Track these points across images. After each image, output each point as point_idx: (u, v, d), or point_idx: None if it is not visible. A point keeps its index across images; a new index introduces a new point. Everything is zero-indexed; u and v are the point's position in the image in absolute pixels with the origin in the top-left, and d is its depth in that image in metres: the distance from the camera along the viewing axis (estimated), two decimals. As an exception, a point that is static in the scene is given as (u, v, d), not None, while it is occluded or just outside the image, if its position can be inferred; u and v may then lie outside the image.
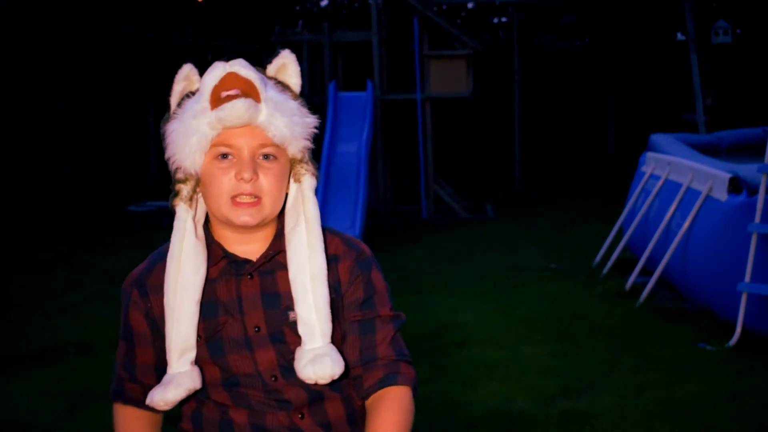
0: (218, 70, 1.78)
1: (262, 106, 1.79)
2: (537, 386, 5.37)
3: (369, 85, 13.17)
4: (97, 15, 17.71)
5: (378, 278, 1.94)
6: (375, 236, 11.74)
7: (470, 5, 22.92)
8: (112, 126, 19.19)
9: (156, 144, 18.61)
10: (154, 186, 18.22)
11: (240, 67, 1.79)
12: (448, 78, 14.00)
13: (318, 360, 1.80)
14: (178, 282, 1.83)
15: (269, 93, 1.81)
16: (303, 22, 14.92)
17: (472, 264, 9.82)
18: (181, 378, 1.84)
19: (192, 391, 1.85)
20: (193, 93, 1.85)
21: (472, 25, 22.95)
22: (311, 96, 13.97)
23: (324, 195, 11.60)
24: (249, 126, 1.80)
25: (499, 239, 11.65)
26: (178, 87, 1.87)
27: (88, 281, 9.29)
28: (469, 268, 9.59)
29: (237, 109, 1.76)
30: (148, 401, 1.86)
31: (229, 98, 1.77)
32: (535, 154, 21.33)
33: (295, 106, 1.85)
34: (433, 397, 5.16)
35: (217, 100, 1.77)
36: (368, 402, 1.89)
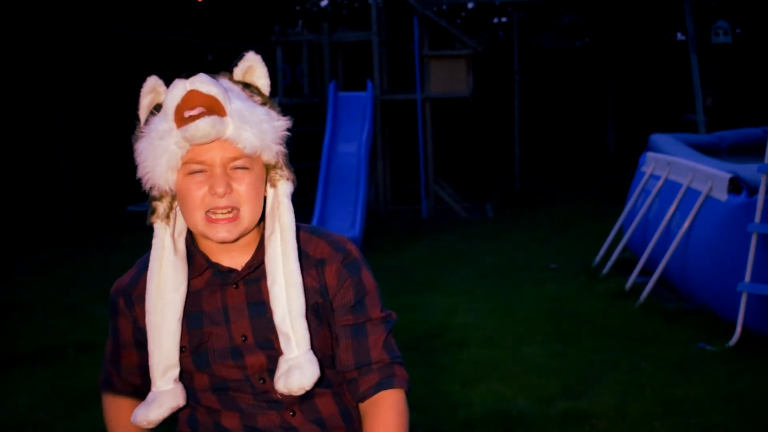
0: (179, 89, 1.76)
1: (228, 120, 1.76)
2: (537, 386, 5.37)
3: (369, 85, 13.17)
4: (97, 15, 17.71)
5: (368, 279, 1.93)
6: (375, 236, 11.74)
7: (470, 5, 22.92)
8: (112, 126, 19.19)
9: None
10: (154, 186, 18.16)
11: (201, 83, 1.75)
12: (448, 78, 13.99)
13: (289, 372, 1.81)
14: (158, 301, 1.84)
15: (234, 104, 1.78)
16: (303, 22, 14.91)
17: (472, 264, 9.82)
18: (163, 397, 1.85)
19: (175, 410, 1.88)
20: (161, 106, 1.82)
21: (472, 25, 22.95)
22: (311, 96, 13.98)
23: (324, 195, 11.59)
24: (218, 140, 1.77)
25: (499, 239, 11.65)
26: (145, 101, 1.85)
27: (88, 281, 9.29)
28: (469, 268, 9.59)
29: (201, 128, 1.74)
30: (132, 419, 1.89)
31: (193, 118, 1.74)
32: (535, 154, 21.33)
33: (262, 113, 1.82)
34: (433, 397, 5.16)
35: (181, 120, 1.75)
36: (364, 405, 1.90)
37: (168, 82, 1.84)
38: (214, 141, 1.77)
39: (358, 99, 12.99)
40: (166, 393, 1.86)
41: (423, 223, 13.64)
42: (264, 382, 1.86)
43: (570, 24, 21.06)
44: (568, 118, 22.39)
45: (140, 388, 1.97)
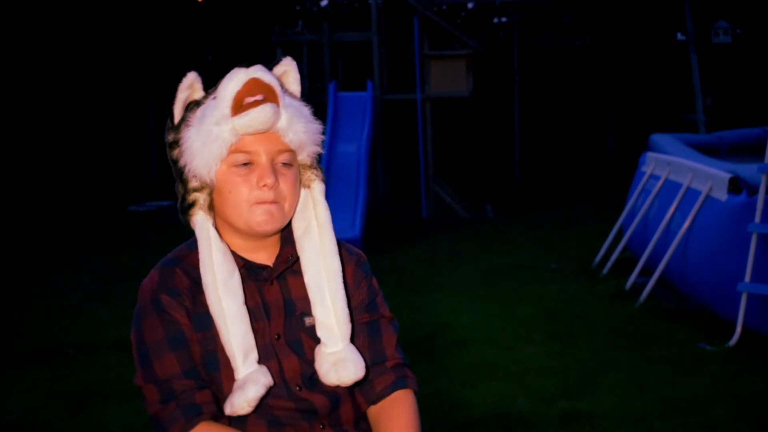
0: (240, 75, 1.78)
1: (282, 111, 1.81)
2: (537, 386, 5.37)
3: (369, 85, 13.17)
4: (97, 15, 17.71)
5: (375, 281, 2.00)
6: (375, 236, 11.74)
7: (470, 5, 22.92)
8: (112, 126, 19.19)
9: (156, 144, 18.61)
10: (154, 186, 18.23)
11: (262, 72, 1.79)
12: (448, 78, 14.00)
13: (341, 364, 1.82)
14: (218, 289, 1.80)
15: (286, 98, 1.83)
16: (303, 22, 14.92)
17: (472, 264, 9.82)
18: (255, 375, 1.78)
19: (268, 387, 1.79)
20: (196, 102, 1.84)
21: (472, 25, 22.94)
22: (311, 96, 13.97)
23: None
24: (267, 132, 1.81)
25: (499, 239, 11.64)
26: (182, 96, 1.85)
27: (88, 281, 9.28)
28: (469, 268, 9.59)
29: (265, 113, 1.77)
30: (228, 410, 1.78)
31: (255, 104, 1.77)
32: (535, 154, 21.32)
33: (308, 113, 1.87)
34: (433, 397, 5.16)
35: (239, 107, 1.77)
36: (377, 406, 1.92)
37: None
38: (264, 133, 1.80)
39: (358, 99, 13.00)
40: (255, 372, 1.78)
41: (423, 223, 13.63)
42: (300, 389, 1.85)
43: (570, 24, 21.06)
44: (568, 118, 22.38)
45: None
